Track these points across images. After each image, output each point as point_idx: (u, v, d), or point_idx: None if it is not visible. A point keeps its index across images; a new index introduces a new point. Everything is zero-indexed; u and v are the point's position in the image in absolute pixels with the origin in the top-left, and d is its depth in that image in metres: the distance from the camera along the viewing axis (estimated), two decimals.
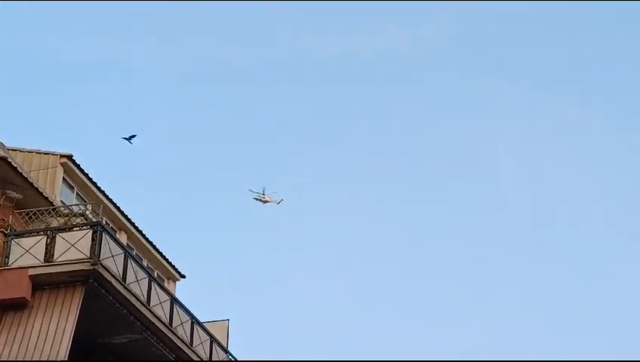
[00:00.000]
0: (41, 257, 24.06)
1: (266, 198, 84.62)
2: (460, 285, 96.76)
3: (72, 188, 28.99)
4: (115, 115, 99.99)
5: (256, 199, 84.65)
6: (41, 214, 25.41)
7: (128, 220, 31.16)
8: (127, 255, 25.43)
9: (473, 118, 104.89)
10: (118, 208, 30.69)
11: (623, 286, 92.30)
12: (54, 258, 23.98)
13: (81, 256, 23.80)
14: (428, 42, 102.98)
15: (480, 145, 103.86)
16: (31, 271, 23.86)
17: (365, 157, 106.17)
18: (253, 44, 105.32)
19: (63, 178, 28.52)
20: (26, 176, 25.44)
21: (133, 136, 34.80)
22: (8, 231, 24.63)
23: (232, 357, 31.33)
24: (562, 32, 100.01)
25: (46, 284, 23.96)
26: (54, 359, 22.61)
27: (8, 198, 25.17)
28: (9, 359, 22.91)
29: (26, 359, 22.76)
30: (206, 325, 29.93)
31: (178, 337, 27.30)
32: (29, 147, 28.92)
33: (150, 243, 32.44)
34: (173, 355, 27.54)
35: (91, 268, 23.62)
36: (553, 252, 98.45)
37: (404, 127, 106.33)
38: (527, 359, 70.94)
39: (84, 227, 24.52)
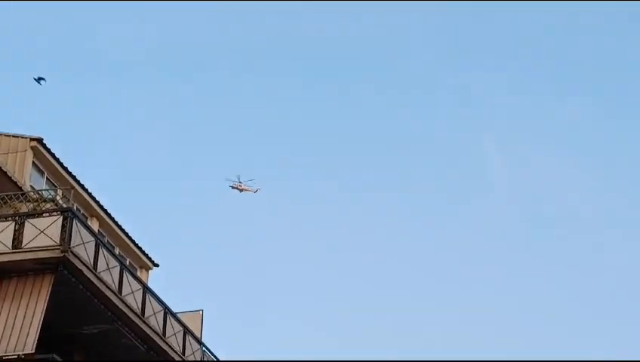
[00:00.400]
0: (9, 244, 23.42)
1: (243, 186, 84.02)
2: (444, 275, 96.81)
3: (42, 172, 28.34)
4: (88, 100, 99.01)
5: (233, 187, 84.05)
6: (10, 199, 24.77)
7: (100, 207, 30.50)
8: (99, 242, 24.81)
9: (461, 112, 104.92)
10: (89, 194, 30.01)
11: (614, 273, 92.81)
12: (23, 244, 23.36)
13: (51, 242, 23.17)
14: (417, 36, 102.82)
15: (468, 139, 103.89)
16: None
17: (349, 147, 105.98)
18: (229, 29, 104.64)
19: (33, 162, 27.88)
20: None
21: (42, 79, 34.46)
22: None
23: (206, 348, 30.77)
24: (550, 27, 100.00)
25: (14, 272, 23.35)
26: (21, 350, 22.07)
27: None
28: None
29: None
30: (179, 315, 29.37)
31: (150, 327, 26.70)
32: None
33: (122, 230, 31.79)
34: (145, 346, 26.96)
35: (61, 255, 23.01)
36: (542, 244, 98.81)
37: (391, 120, 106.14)
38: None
39: (54, 213, 23.89)
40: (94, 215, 30.42)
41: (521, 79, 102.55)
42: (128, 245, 32.29)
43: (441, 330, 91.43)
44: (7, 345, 22.25)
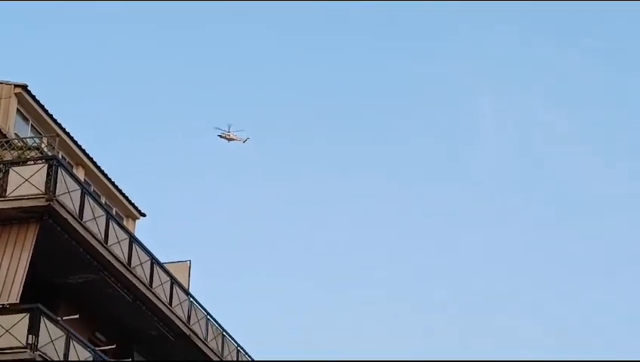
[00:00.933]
0: None
1: (232, 136, 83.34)
2: (433, 230, 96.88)
3: (26, 120, 27.83)
4: (74, 48, 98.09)
5: (222, 137, 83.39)
6: None
7: (86, 155, 30.03)
8: (85, 191, 24.44)
9: (451, 59, 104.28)
10: (75, 142, 29.53)
11: (611, 222, 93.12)
12: (7, 193, 23.03)
13: (36, 191, 22.85)
14: None
15: (458, 86, 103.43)
16: None
17: (340, 98, 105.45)
18: None
19: (17, 109, 27.36)
20: None
21: None
22: None
23: (193, 298, 30.52)
24: None
25: None
26: (6, 300, 21.91)
27: None
28: None
29: None
30: (166, 266, 29.08)
31: (137, 277, 26.43)
32: None
33: (109, 179, 31.36)
34: (132, 296, 26.71)
35: (46, 204, 22.69)
36: (536, 189, 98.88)
37: (379, 70, 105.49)
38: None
39: (39, 161, 23.56)
40: (80, 163, 29.97)
41: (521, 29, 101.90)
42: (115, 194, 31.89)
43: (427, 278, 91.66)
44: None
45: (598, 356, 72.84)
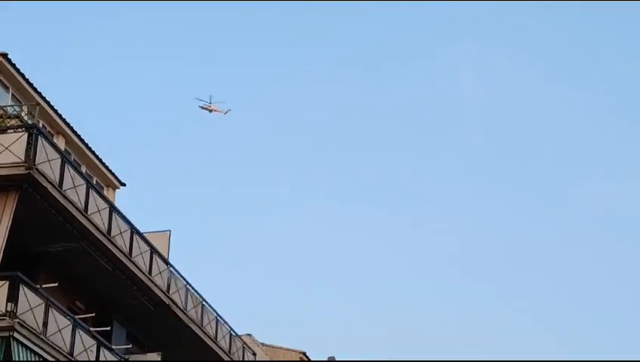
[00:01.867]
0: None
1: (213, 107, 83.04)
2: (416, 207, 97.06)
3: (6, 88, 27.73)
4: (57, 17, 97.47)
5: (203, 108, 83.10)
6: None
7: (66, 124, 29.99)
8: (65, 160, 24.44)
9: (431, 32, 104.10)
10: (55, 111, 29.47)
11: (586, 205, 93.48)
12: None
13: (15, 159, 22.85)
14: None
15: (438, 59, 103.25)
16: None
17: (322, 69, 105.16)
18: None
19: None
20: None
21: None
22: None
23: (173, 268, 30.64)
24: None
25: None
26: None
27: None
28: None
29: None
30: (146, 235, 29.14)
31: (117, 247, 26.52)
32: None
33: (89, 148, 31.34)
34: (111, 265, 26.81)
35: (26, 172, 22.70)
36: (514, 165, 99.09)
37: (359, 44, 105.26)
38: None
39: (19, 129, 23.52)
40: (60, 132, 29.92)
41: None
42: (95, 163, 31.86)
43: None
44: None
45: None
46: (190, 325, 31.17)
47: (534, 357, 73.89)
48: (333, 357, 49.88)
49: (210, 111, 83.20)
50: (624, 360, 67.55)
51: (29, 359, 22.03)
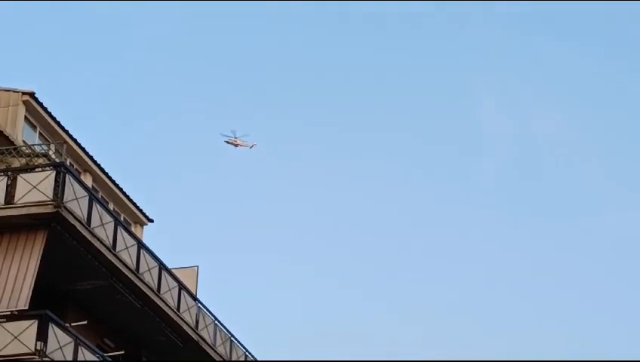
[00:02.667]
0: (2, 199, 23.10)
1: (238, 142, 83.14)
2: (437, 228, 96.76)
3: (34, 127, 27.93)
4: (80, 53, 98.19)
5: (228, 143, 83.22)
6: (2, 154, 24.40)
7: (94, 161, 30.12)
8: (92, 197, 24.49)
9: (453, 56, 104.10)
10: (82, 149, 29.62)
11: (613, 228, 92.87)
12: (15, 200, 23.05)
13: (44, 198, 22.86)
14: None
15: (460, 84, 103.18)
16: None
17: (342, 98, 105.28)
18: None
19: (25, 116, 27.45)
20: None
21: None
22: None
23: (201, 304, 30.56)
24: None
25: (6, 227, 23.04)
26: (15, 307, 21.86)
27: None
28: None
29: None
30: (174, 271, 29.10)
31: (145, 284, 26.46)
32: None
33: (116, 185, 31.45)
34: (140, 302, 26.73)
35: (54, 210, 22.70)
36: (537, 192, 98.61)
37: (382, 68, 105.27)
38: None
39: (47, 168, 23.55)
40: (88, 170, 30.05)
41: (518, 21, 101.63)
42: (122, 200, 31.96)
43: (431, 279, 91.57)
44: (1, 301, 22.02)
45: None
46: (219, 361, 31.05)
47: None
48: None
49: (236, 145, 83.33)
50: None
51: None
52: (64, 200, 22.90)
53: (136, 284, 26.05)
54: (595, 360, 66.13)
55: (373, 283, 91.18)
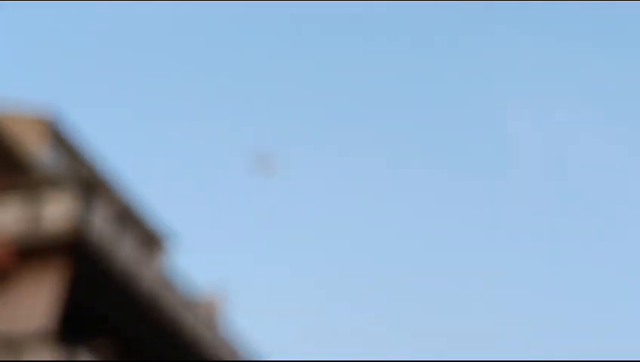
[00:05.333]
0: (24, 222, 23.14)
1: (264, 165, 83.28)
2: (468, 251, 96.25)
3: (57, 148, 27.79)
4: (105, 69, 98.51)
5: (253, 167, 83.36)
6: (24, 175, 24.21)
7: (117, 184, 29.87)
8: (116, 220, 24.21)
9: (483, 73, 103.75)
10: (106, 171, 29.39)
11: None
12: (38, 223, 23.03)
13: (67, 222, 22.81)
14: None
15: (490, 101, 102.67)
16: (13, 237, 22.86)
17: (369, 119, 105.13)
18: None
19: (48, 138, 27.29)
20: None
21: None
22: None
23: (229, 330, 30.20)
24: None
25: (29, 251, 22.96)
26: (37, 331, 21.63)
27: None
28: None
29: (5, 332, 21.77)
30: (199, 294, 28.73)
31: (168, 308, 26.12)
32: (10, 97, 27.61)
33: (140, 208, 31.19)
34: (165, 328, 26.39)
35: (77, 233, 22.66)
36: (569, 211, 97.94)
37: (409, 83, 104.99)
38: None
39: (71, 190, 23.43)
40: (112, 192, 29.84)
41: (545, 35, 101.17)
42: (146, 223, 31.74)
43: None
44: (24, 325, 22.03)
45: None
46: None
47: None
48: None
49: (262, 169, 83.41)
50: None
51: None
52: (88, 223, 22.81)
53: (160, 308, 25.75)
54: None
55: (391, 310, 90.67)
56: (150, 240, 32.07)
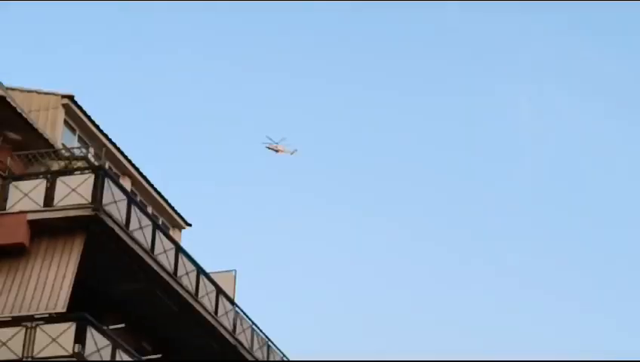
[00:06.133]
0: (41, 202, 23.25)
1: (279, 147, 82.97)
2: (474, 240, 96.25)
3: (73, 130, 28.02)
4: (119, 55, 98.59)
5: (269, 148, 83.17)
6: (41, 157, 24.57)
7: (132, 165, 30.17)
8: (131, 201, 24.53)
9: (493, 64, 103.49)
10: (121, 152, 29.68)
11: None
12: (54, 203, 23.19)
13: (82, 201, 22.97)
14: None
15: (497, 95, 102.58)
16: (30, 216, 23.08)
17: (383, 107, 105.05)
18: None
19: (65, 119, 27.54)
20: (25, 116, 24.43)
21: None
22: (7, 174, 23.72)
23: (239, 308, 30.52)
24: None
25: (45, 230, 23.16)
26: (53, 309, 21.96)
27: (7, 140, 24.27)
28: (5, 307, 22.08)
29: (23, 308, 21.97)
30: (212, 275, 29.07)
31: (183, 287, 26.47)
32: (28, 86, 27.82)
33: (155, 189, 31.49)
34: (178, 306, 26.78)
35: (92, 213, 22.80)
36: (576, 203, 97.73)
37: (421, 72, 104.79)
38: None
39: (86, 171, 23.65)
40: (127, 173, 30.11)
41: (555, 27, 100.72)
42: (161, 204, 32.00)
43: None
44: (39, 303, 22.18)
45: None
46: None
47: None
48: None
49: (277, 151, 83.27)
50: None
51: None
52: (103, 203, 22.96)
53: (174, 288, 26.06)
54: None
55: (418, 282, 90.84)
56: (166, 219, 32.42)
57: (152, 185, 31.29)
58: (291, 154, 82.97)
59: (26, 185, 23.48)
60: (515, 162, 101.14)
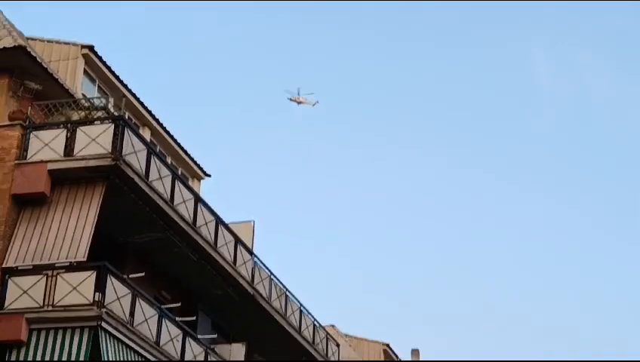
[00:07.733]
0: (61, 151, 23.31)
1: (301, 99, 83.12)
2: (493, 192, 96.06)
3: (93, 80, 28.05)
4: (140, 6, 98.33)
5: (291, 99, 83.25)
6: (61, 107, 24.56)
7: (152, 116, 30.25)
8: (150, 151, 24.60)
9: (510, 19, 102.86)
10: (141, 103, 29.74)
11: None
12: (74, 152, 23.25)
13: (102, 151, 23.03)
14: None
15: (513, 50, 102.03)
16: (50, 166, 23.17)
17: (399, 60, 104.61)
18: None
19: (84, 69, 27.56)
20: (45, 66, 24.46)
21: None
22: (27, 123, 23.75)
23: (257, 258, 30.72)
24: None
25: (66, 179, 23.29)
26: (73, 257, 22.14)
27: (27, 89, 24.28)
28: (26, 256, 22.30)
29: (44, 257, 22.17)
30: (231, 226, 29.21)
31: (202, 237, 26.62)
32: (48, 36, 27.83)
33: (174, 139, 31.58)
34: (197, 255, 26.94)
35: (112, 163, 22.89)
36: (594, 151, 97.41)
37: (439, 30, 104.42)
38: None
39: (106, 121, 23.68)
40: (146, 124, 30.19)
41: None
42: (180, 154, 32.10)
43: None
44: (60, 252, 22.37)
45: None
46: (274, 315, 31.24)
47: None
48: (418, 350, 49.61)
49: (299, 103, 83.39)
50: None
51: (116, 348, 22.25)
52: (123, 153, 23.03)
53: (193, 238, 26.22)
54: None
55: (426, 240, 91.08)
56: (185, 169, 32.53)
57: (171, 136, 31.37)
58: (313, 105, 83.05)
59: (46, 134, 23.51)
60: (531, 115, 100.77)
